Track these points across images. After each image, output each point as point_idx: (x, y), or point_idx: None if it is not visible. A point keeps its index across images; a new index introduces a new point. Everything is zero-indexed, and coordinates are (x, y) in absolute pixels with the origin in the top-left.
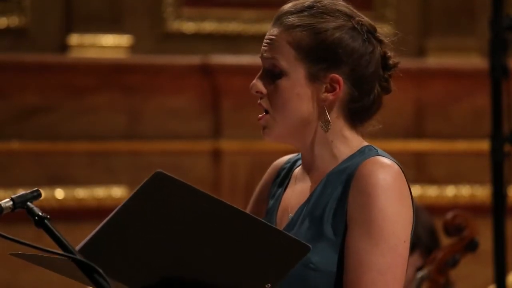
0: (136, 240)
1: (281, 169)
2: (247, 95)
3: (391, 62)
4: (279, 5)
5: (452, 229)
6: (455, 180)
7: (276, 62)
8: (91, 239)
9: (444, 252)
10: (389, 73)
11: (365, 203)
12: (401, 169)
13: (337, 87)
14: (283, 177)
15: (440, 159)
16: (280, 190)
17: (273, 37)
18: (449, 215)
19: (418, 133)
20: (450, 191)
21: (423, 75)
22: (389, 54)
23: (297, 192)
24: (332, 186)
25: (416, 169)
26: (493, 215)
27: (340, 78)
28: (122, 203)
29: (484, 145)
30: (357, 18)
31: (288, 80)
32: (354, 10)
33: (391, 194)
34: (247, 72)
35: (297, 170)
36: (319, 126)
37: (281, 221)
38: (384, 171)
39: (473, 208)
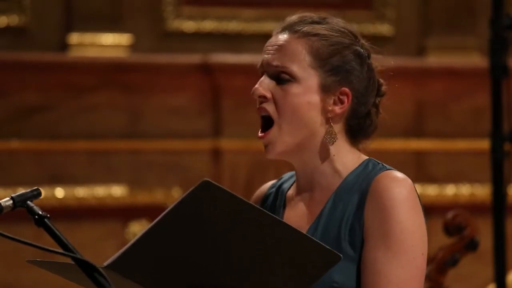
0: (175, 247)
1: (265, 196)
2: (247, 94)
3: (382, 89)
4: (278, 4)
5: (453, 229)
6: (455, 179)
7: (286, 69)
8: (131, 246)
9: (444, 252)
10: (379, 99)
11: (382, 217)
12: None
13: (346, 100)
14: (272, 202)
15: (440, 158)
16: (275, 214)
17: (283, 42)
18: (450, 215)
19: (418, 132)
20: (450, 190)
21: (423, 74)
22: (381, 81)
23: (301, 213)
24: (342, 203)
25: (416, 168)
26: (493, 214)
27: (349, 92)
28: (166, 210)
29: (484, 144)
30: (361, 41)
31: (299, 87)
32: (357, 31)
33: (408, 207)
34: (247, 71)
35: (292, 191)
36: (322, 139)
37: None
38: (400, 185)
39: (473, 207)
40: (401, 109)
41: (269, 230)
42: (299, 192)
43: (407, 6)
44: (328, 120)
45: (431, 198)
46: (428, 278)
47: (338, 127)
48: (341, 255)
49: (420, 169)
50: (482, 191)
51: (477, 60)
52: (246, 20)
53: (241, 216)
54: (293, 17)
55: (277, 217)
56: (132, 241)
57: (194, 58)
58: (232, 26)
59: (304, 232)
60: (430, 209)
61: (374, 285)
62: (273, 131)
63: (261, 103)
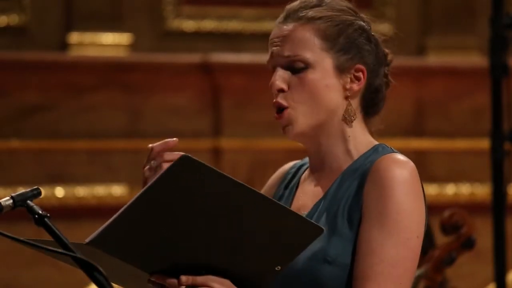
0: (156, 222)
1: (287, 173)
2: (247, 93)
3: (388, 58)
4: (278, 3)
5: (449, 227)
6: (455, 178)
7: (299, 57)
8: (112, 222)
9: (440, 250)
10: (387, 68)
11: (380, 196)
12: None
13: (362, 77)
14: (289, 181)
15: (440, 157)
16: (287, 192)
17: (289, 32)
18: (446, 213)
19: (418, 131)
20: (450, 189)
21: (423, 73)
22: (386, 50)
23: (310, 192)
24: (347, 183)
25: (416, 167)
26: (493, 213)
27: (364, 68)
28: (146, 186)
29: (484, 144)
30: (361, 15)
31: (315, 72)
32: (355, 7)
33: (407, 188)
34: (247, 70)
35: (306, 173)
36: (340, 119)
37: None
38: (401, 166)
39: (473, 206)
40: (401, 109)
41: (251, 204)
42: (310, 174)
43: (407, 5)
44: (347, 99)
45: (431, 197)
46: (425, 277)
47: (355, 104)
48: (324, 228)
49: (420, 168)
50: (482, 191)
51: (477, 60)
52: (246, 20)
53: (221, 190)
54: (293, 4)
55: (258, 191)
56: (112, 218)
57: (194, 58)
58: (232, 25)
59: (308, 210)
60: (430, 208)
61: (367, 262)
62: (288, 111)
63: (276, 96)
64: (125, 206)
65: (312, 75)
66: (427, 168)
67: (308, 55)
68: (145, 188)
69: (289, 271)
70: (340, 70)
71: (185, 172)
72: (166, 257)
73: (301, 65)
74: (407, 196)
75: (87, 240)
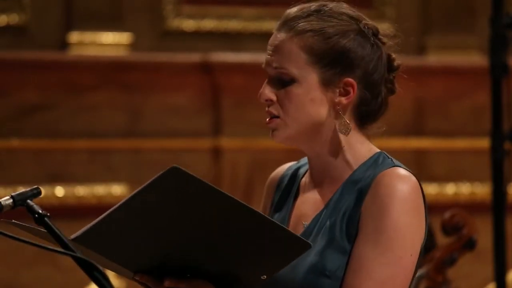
0: (141, 227)
1: (282, 176)
2: (247, 92)
3: (395, 64)
4: (278, 3)
5: (450, 228)
6: (455, 177)
7: (285, 71)
8: (98, 222)
9: (442, 251)
10: (393, 74)
11: (378, 212)
12: (417, 180)
13: (351, 91)
14: (287, 185)
15: (440, 157)
16: (288, 199)
17: (279, 43)
18: (447, 214)
19: (418, 131)
20: (450, 188)
21: (423, 73)
22: (393, 56)
23: (311, 200)
24: (347, 195)
25: (416, 166)
26: (493, 213)
27: (354, 82)
28: (134, 191)
29: (484, 143)
30: (363, 22)
31: (300, 87)
32: (359, 13)
33: (406, 205)
34: (247, 69)
35: (305, 178)
36: (332, 130)
37: (295, 229)
38: (402, 183)
39: (473, 206)
40: (401, 108)
41: (238, 216)
42: (311, 181)
43: (407, 4)
44: (337, 112)
45: (431, 197)
46: (426, 277)
47: (347, 117)
48: (311, 244)
49: (420, 167)
50: (482, 190)
51: (477, 59)
52: (246, 19)
53: (210, 202)
54: (291, 11)
55: (246, 204)
56: (99, 218)
57: (194, 57)
58: (232, 25)
59: (309, 220)
60: (430, 208)
61: (355, 278)
62: (278, 120)
63: (268, 106)
64: (112, 208)
65: (297, 90)
66: (427, 168)
67: (294, 70)
68: (132, 194)
69: (288, 284)
70: (326, 84)
71: (173, 182)
72: (151, 259)
73: (287, 78)
74: (406, 213)
75: (72, 237)
